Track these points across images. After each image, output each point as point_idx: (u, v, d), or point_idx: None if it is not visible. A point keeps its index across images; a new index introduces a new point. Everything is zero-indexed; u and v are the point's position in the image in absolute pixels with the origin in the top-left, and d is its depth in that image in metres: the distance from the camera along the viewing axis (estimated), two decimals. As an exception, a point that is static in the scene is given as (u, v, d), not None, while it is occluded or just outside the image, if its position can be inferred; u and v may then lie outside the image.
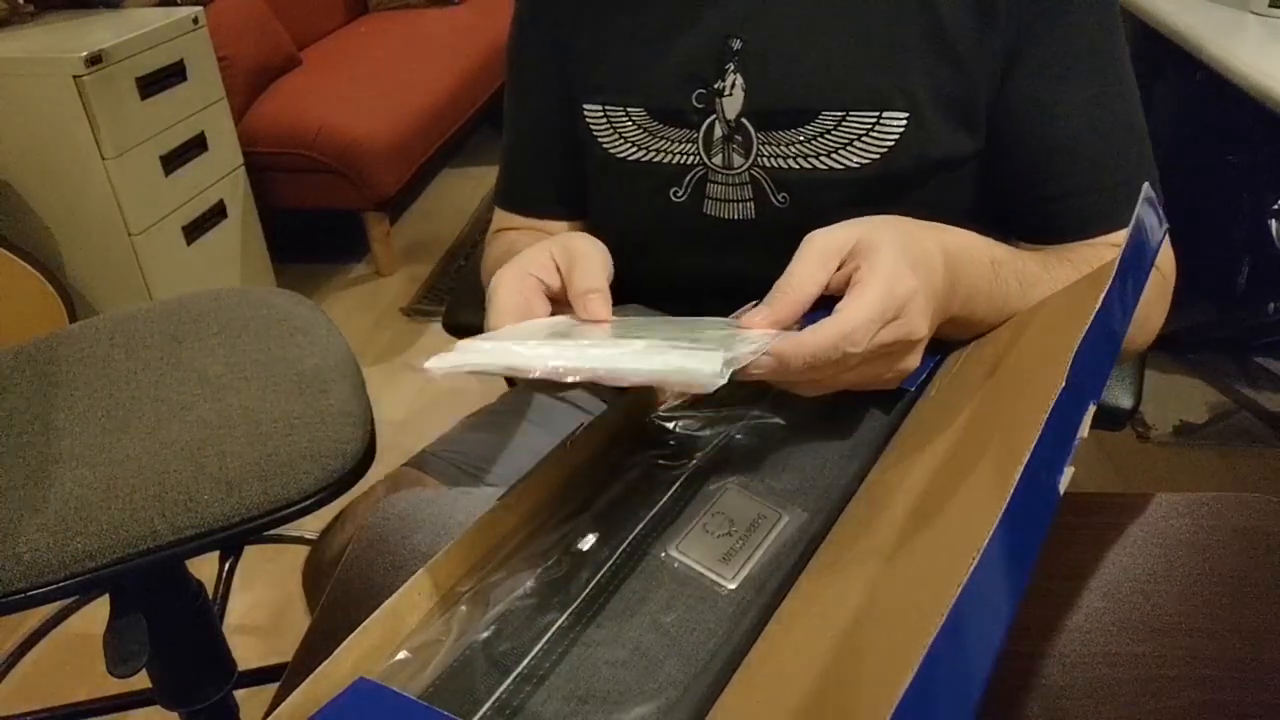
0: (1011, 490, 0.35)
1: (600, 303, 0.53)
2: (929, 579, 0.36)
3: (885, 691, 0.29)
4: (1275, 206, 1.87)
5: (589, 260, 0.55)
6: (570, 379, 0.44)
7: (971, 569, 0.32)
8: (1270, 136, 1.88)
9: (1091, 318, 0.42)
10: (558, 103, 0.77)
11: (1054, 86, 0.66)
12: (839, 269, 0.52)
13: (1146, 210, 0.50)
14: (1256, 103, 1.34)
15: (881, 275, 0.50)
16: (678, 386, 0.44)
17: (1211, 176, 2.00)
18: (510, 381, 1.02)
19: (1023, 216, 0.71)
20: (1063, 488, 0.38)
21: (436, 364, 0.44)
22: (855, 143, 0.68)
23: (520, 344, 0.47)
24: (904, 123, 0.67)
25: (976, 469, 0.41)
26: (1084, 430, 0.41)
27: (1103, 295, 0.43)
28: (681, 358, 0.45)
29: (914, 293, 0.50)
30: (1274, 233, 1.86)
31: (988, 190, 0.71)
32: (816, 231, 0.53)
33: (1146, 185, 0.51)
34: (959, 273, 0.56)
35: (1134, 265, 0.48)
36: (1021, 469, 0.35)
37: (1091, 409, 0.41)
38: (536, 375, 0.44)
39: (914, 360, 0.53)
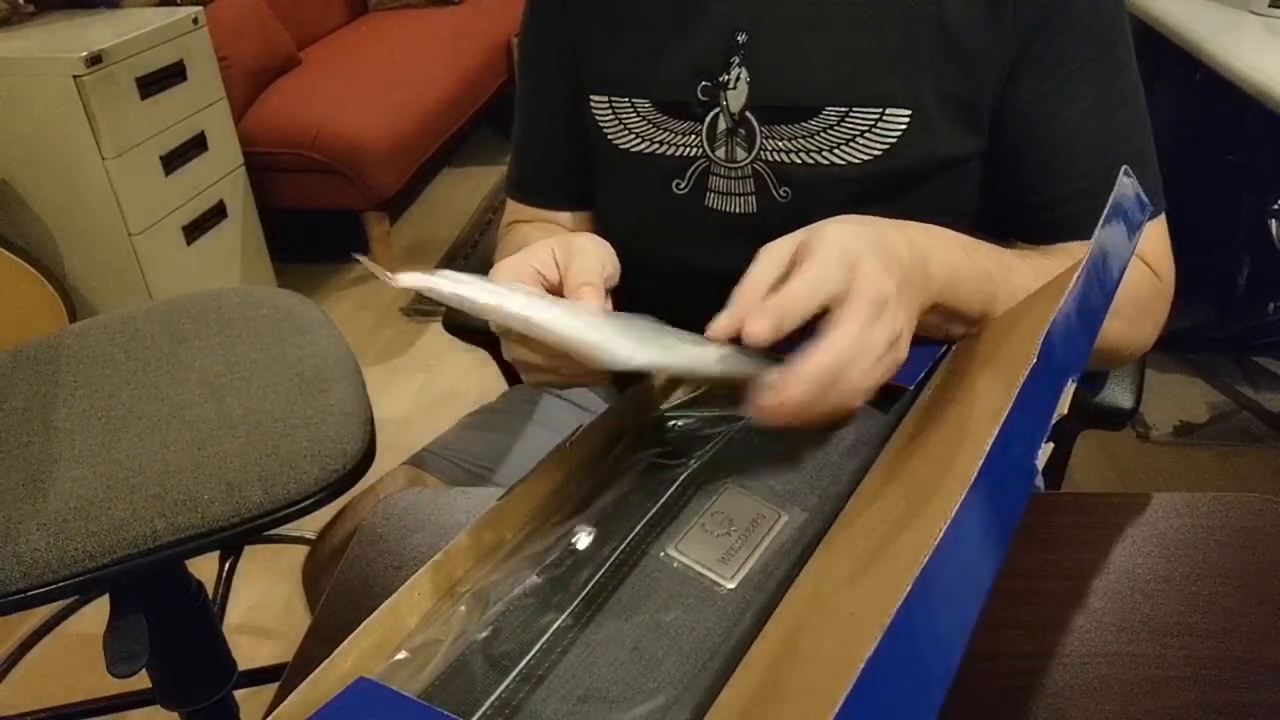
0: (982, 460, 0.35)
1: (592, 295, 0.53)
2: (900, 548, 0.36)
3: (851, 657, 0.29)
4: (1275, 206, 1.87)
5: (587, 256, 0.55)
6: (514, 323, 0.47)
7: (941, 535, 0.32)
8: (1270, 136, 1.88)
9: (1066, 294, 0.42)
10: (566, 96, 0.78)
11: (1058, 90, 0.66)
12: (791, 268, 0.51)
13: (1125, 191, 0.50)
14: (1256, 103, 1.34)
15: (833, 263, 0.49)
16: (580, 355, 0.47)
17: (1211, 176, 2.00)
18: (510, 380, 1.02)
19: (1021, 218, 0.71)
20: (1041, 464, 0.38)
21: (407, 278, 0.47)
22: (858, 139, 0.68)
23: (490, 285, 0.49)
24: (907, 120, 0.67)
25: (958, 448, 0.41)
26: (1063, 408, 0.41)
27: (1078, 273, 0.43)
28: (609, 336, 0.47)
29: (888, 287, 0.49)
30: (1274, 233, 1.86)
31: (989, 191, 0.71)
32: (766, 244, 0.52)
33: (1124, 169, 0.51)
34: (929, 254, 0.55)
35: (1113, 244, 0.48)
36: (993, 440, 0.35)
37: (1071, 386, 0.41)
38: (484, 302, 0.47)
39: (901, 350, 0.51)
